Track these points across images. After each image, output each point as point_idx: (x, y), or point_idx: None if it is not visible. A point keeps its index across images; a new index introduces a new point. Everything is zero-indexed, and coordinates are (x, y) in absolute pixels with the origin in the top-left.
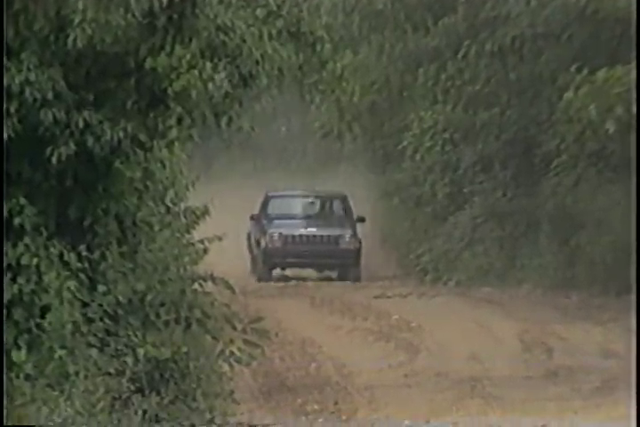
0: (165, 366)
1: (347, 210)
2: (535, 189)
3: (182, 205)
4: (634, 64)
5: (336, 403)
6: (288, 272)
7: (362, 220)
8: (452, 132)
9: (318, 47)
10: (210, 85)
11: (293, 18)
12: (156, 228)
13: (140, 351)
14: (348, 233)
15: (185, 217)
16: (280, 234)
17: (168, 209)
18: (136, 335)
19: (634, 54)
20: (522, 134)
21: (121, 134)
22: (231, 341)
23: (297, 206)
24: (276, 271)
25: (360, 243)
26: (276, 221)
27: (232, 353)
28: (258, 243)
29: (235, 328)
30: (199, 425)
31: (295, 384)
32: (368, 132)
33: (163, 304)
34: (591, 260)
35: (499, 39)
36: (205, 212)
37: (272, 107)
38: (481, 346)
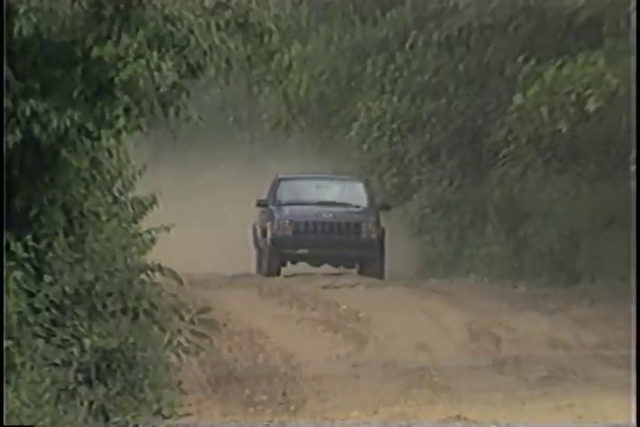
0: (112, 357)
1: (368, 196)
2: (482, 179)
3: (129, 195)
4: (580, 60)
5: (284, 394)
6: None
7: (387, 207)
8: (399, 123)
9: (266, 38)
10: (157, 75)
11: (242, 9)
12: (104, 218)
13: (87, 342)
14: (370, 221)
15: (132, 207)
16: (290, 221)
17: (115, 199)
18: (83, 326)
19: (578, 47)
20: (469, 125)
21: (68, 123)
22: (179, 331)
23: (311, 191)
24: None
25: (384, 233)
26: (287, 207)
27: (180, 344)
28: (264, 232)
29: (182, 319)
30: (146, 416)
31: (243, 375)
32: (316, 122)
33: (110, 294)
34: (538, 250)
35: (446, 30)
36: (153, 202)
37: (221, 97)
38: (429, 336)
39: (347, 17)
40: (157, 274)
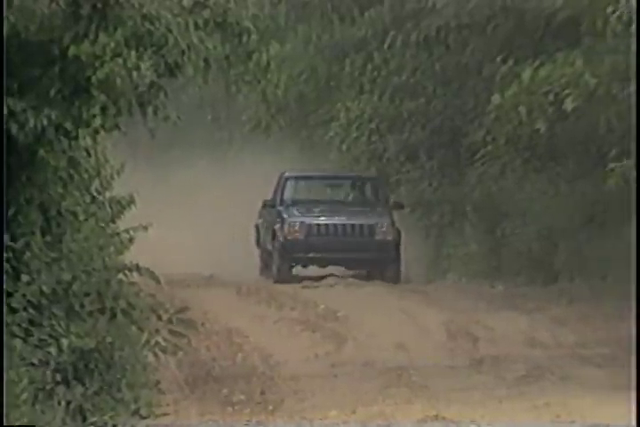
0: (90, 357)
1: (381, 194)
2: (461, 179)
3: (107, 195)
4: (558, 60)
5: (262, 393)
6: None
7: (400, 206)
8: (378, 123)
9: (244, 38)
10: (135, 74)
11: (220, 8)
12: (81, 217)
13: (64, 342)
14: (384, 222)
15: (110, 206)
16: (302, 223)
17: (93, 198)
18: (60, 326)
19: (552, 48)
20: (448, 124)
21: (45, 122)
22: (156, 331)
23: (320, 190)
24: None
25: (399, 234)
26: (296, 208)
27: (157, 343)
28: (273, 235)
29: (160, 318)
30: (124, 416)
31: (221, 374)
32: (295, 122)
33: (87, 294)
34: (517, 249)
35: (424, 30)
36: (131, 201)
37: (199, 97)
38: (407, 335)
39: (325, 16)
40: (135, 274)
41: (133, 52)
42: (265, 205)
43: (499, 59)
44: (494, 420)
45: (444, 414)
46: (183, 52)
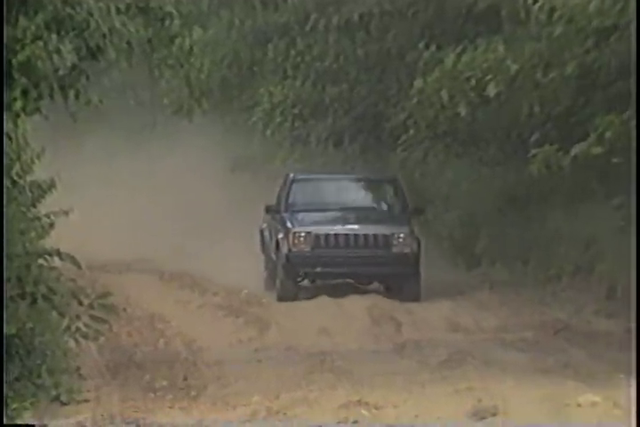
0: (10, 343)
1: (399, 198)
2: (383, 164)
3: (28, 179)
4: (481, 46)
5: (185, 379)
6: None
7: (420, 212)
8: (301, 108)
9: (167, 22)
10: (55, 57)
11: None
12: (2, 202)
13: None
14: (403, 231)
15: (31, 191)
16: (309, 234)
17: (14, 182)
18: None
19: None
20: (371, 110)
21: None
22: (77, 316)
23: (330, 194)
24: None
25: (419, 245)
26: (303, 215)
27: (78, 329)
28: (277, 245)
29: (81, 304)
30: (44, 402)
31: (143, 360)
32: (219, 106)
33: (8, 279)
34: (439, 234)
35: (346, 15)
36: (52, 185)
37: (121, 80)
38: (331, 321)
39: (248, 2)
40: (56, 259)
41: (54, 36)
42: (268, 211)
43: (421, 44)
44: (417, 404)
45: (368, 399)
46: (105, 36)
